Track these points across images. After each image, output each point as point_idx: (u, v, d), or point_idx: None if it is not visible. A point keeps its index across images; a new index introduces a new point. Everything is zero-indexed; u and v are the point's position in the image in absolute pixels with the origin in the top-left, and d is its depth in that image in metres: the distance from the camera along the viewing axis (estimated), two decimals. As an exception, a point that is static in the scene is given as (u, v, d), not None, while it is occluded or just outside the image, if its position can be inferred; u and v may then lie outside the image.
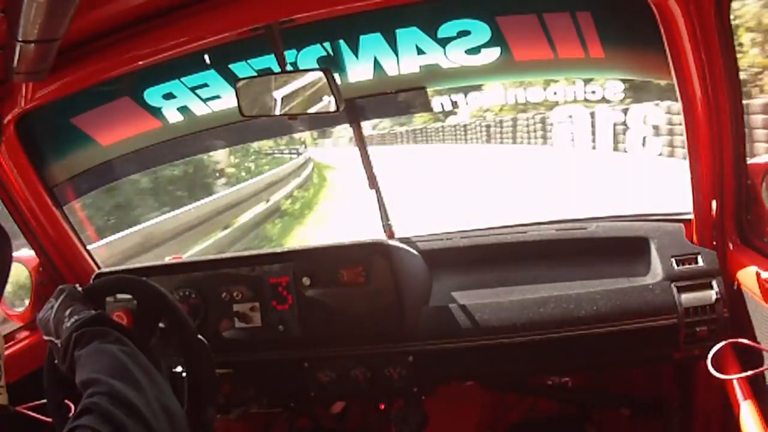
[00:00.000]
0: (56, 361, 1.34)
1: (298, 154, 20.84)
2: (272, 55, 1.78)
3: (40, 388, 1.50)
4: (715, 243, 1.81)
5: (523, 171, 12.78)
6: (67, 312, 1.35)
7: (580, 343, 1.80)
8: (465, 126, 19.87)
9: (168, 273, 2.04)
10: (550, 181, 10.91)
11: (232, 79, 1.92)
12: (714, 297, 1.74)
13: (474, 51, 1.84)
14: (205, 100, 2.05)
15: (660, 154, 11.37)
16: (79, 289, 1.47)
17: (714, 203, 1.74)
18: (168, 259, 2.29)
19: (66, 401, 1.47)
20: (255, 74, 1.90)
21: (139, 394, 1.04)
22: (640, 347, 1.83)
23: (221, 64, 1.95)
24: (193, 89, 2.02)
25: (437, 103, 2.22)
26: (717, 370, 1.54)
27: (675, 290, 1.78)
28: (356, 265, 1.90)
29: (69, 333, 1.26)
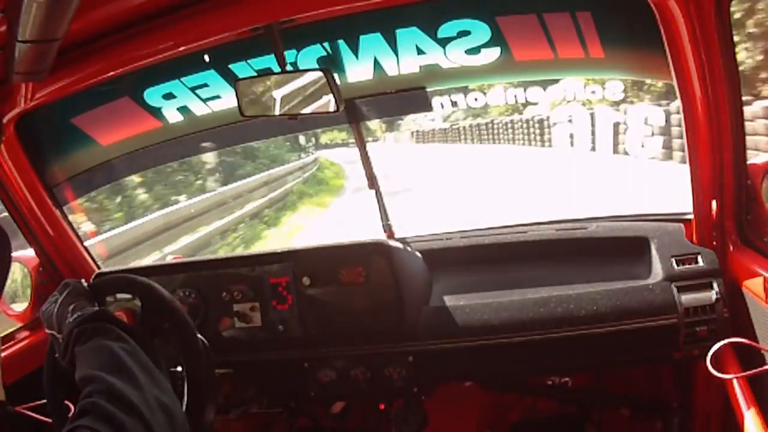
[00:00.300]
0: (57, 355, 1.35)
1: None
2: (272, 55, 1.78)
3: (40, 388, 1.50)
4: (715, 243, 1.81)
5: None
6: (71, 307, 1.36)
7: (580, 343, 1.80)
8: (540, 121, 15.49)
9: (168, 273, 2.04)
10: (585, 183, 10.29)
11: (232, 79, 1.92)
12: (714, 297, 1.74)
13: (474, 51, 1.84)
14: (205, 100, 2.05)
15: (653, 157, 11.22)
16: (84, 284, 1.47)
17: (714, 203, 1.74)
18: (168, 259, 2.29)
19: (66, 402, 1.48)
20: (255, 74, 1.90)
21: (137, 393, 1.04)
22: (640, 347, 1.83)
23: (221, 64, 1.95)
24: (193, 89, 2.02)
25: (448, 101, 2.21)
26: (717, 370, 1.54)
27: (675, 290, 1.78)
28: (356, 265, 1.90)
29: (70, 328, 1.26)
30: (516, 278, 1.97)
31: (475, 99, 2.25)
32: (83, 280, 1.49)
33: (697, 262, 1.82)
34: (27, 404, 1.62)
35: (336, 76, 1.67)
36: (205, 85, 2.01)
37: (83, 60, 1.72)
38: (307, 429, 2.42)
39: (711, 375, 1.54)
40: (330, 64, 1.88)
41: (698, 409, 2.06)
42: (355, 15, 1.73)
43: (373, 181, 2.14)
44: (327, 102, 1.66)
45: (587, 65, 1.85)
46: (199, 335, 1.54)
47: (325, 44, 1.89)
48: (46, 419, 1.55)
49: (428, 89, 2.01)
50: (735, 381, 1.58)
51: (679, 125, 1.69)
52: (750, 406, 1.53)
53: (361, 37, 1.87)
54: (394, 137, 25.15)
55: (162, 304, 1.52)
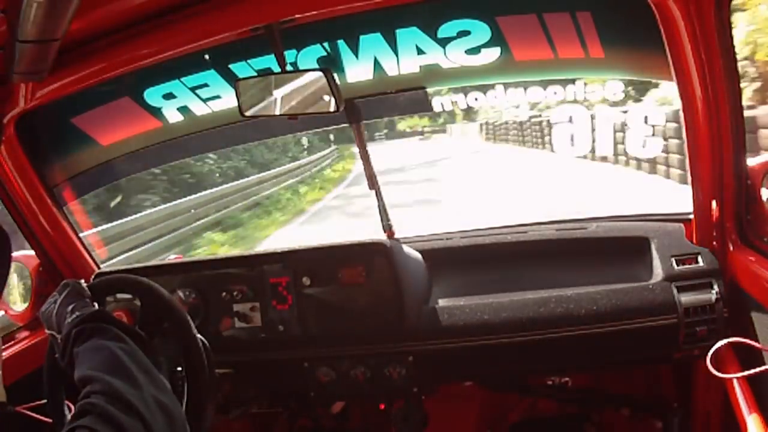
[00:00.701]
0: (57, 356, 1.35)
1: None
2: (272, 55, 1.78)
3: (40, 388, 1.50)
4: (715, 243, 1.81)
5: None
6: (69, 307, 1.35)
7: (580, 343, 1.80)
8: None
9: (168, 273, 2.04)
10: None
11: (232, 79, 1.92)
12: (714, 297, 1.74)
13: (474, 51, 1.84)
14: (205, 100, 2.05)
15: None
16: (84, 284, 1.47)
17: (714, 203, 1.75)
18: (168, 259, 2.29)
19: (66, 402, 1.48)
20: (255, 74, 1.90)
21: (136, 392, 1.03)
22: (640, 347, 1.83)
23: (221, 64, 1.95)
24: (193, 89, 2.02)
25: (448, 101, 2.20)
26: (717, 370, 1.54)
27: (675, 290, 1.78)
28: (356, 265, 1.90)
29: (69, 329, 1.26)
30: (516, 278, 1.97)
31: (475, 99, 2.25)
32: (83, 281, 1.49)
33: (697, 262, 1.82)
34: (27, 404, 1.62)
35: (336, 76, 1.67)
36: (205, 85, 2.01)
37: (83, 60, 1.72)
38: (307, 429, 2.42)
39: (711, 375, 1.53)
40: (330, 64, 1.88)
41: (698, 409, 2.06)
42: (355, 15, 1.73)
43: (373, 182, 2.14)
44: (327, 102, 1.66)
45: (587, 65, 1.85)
46: (199, 335, 1.54)
47: (325, 44, 1.89)
48: (46, 419, 1.55)
49: (428, 89, 2.01)
50: (735, 381, 1.58)
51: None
52: (750, 406, 1.53)
53: (361, 37, 1.87)
54: (461, 129, 20.85)
55: (162, 304, 1.52)
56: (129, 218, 8.90)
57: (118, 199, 9.57)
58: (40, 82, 1.70)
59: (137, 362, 1.13)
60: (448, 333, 1.87)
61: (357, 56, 1.91)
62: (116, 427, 0.96)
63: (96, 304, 1.44)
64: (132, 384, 1.05)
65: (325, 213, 12.27)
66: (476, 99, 2.21)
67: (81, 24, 1.53)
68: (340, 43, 1.89)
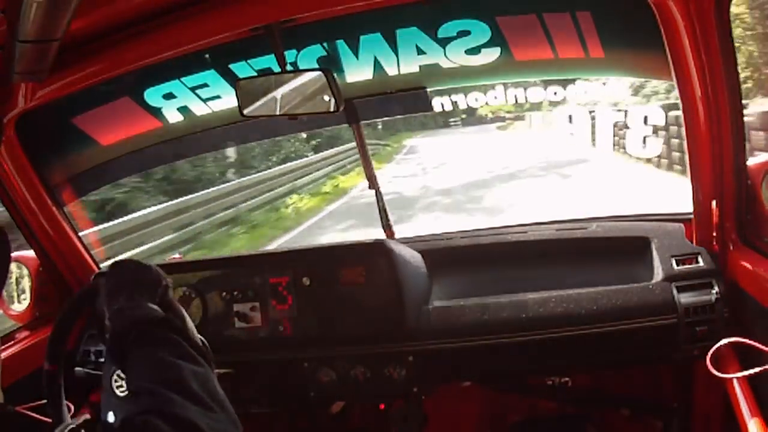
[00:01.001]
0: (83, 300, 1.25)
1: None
2: (272, 55, 1.78)
3: (40, 388, 1.50)
4: (715, 243, 1.81)
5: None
6: (122, 296, 1.16)
7: (580, 342, 1.80)
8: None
9: (168, 273, 2.03)
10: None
11: (232, 79, 1.93)
12: (714, 297, 1.74)
13: (474, 51, 1.84)
14: (205, 100, 2.06)
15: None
16: (165, 281, 1.28)
17: (714, 203, 1.74)
18: (168, 259, 2.29)
19: (67, 402, 1.47)
20: (255, 74, 1.90)
21: (211, 423, 0.89)
22: (640, 347, 1.83)
23: (221, 64, 1.95)
24: (193, 89, 2.02)
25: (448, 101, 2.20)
26: (717, 370, 1.54)
27: (675, 290, 1.78)
28: (356, 265, 1.90)
29: (131, 324, 1.09)
30: (516, 278, 1.97)
31: (476, 99, 2.26)
32: (166, 280, 1.29)
33: (697, 262, 1.82)
34: (27, 404, 1.62)
35: (336, 76, 1.67)
36: (205, 85, 2.01)
37: (83, 60, 1.72)
38: (307, 429, 2.42)
39: (711, 375, 1.54)
40: (330, 64, 1.88)
41: (698, 409, 2.06)
42: (355, 15, 1.73)
43: (373, 182, 2.14)
44: (327, 102, 1.67)
45: (587, 65, 1.85)
46: (199, 335, 1.54)
47: (325, 44, 1.90)
48: (46, 419, 1.55)
49: (428, 89, 2.01)
50: (735, 381, 1.59)
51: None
52: (750, 406, 1.54)
53: (361, 37, 1.87)
54: (542, 119, 17.06)
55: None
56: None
57: None
58: (40, 82, 1.70)
59: (210, 391, 0.97)
60: (448, 333, 1.87)
61: (357, 56, 1.91)
62: None
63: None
64: (206, 413, 0.90)
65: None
66: (476, 99, 2.22)
67: (81, 24, 1.53)
68: (340, 43, 1.89)
